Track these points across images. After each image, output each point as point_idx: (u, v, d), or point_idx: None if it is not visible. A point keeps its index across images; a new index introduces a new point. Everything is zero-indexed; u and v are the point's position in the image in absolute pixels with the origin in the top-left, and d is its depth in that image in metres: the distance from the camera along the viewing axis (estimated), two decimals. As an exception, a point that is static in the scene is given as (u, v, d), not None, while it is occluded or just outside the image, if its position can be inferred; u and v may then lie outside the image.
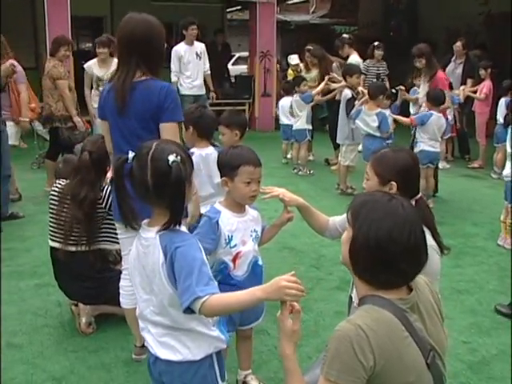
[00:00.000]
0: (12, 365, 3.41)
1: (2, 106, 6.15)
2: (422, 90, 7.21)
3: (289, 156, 9.28)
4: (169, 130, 2.92)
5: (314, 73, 9.08)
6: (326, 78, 8.13)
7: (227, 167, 2.76)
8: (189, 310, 1.93)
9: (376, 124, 6.62)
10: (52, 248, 3.75)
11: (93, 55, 7.74)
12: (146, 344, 2.17)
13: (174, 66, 8.68)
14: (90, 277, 3.69)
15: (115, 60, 7.81)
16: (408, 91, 8.22)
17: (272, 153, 9.55)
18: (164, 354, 2.07)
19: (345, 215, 1.87)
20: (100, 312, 3.81)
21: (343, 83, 7.66)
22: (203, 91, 8.96)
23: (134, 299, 3.06)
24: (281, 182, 7.78)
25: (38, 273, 4.66)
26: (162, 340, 2.07)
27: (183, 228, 2.03)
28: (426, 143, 6.56)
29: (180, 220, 1.98)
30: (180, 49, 8.68)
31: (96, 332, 3.76)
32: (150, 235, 2.00)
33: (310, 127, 8.38)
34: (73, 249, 3.65)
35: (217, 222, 2.73)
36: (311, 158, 9.10)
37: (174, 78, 8.69)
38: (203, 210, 3.16)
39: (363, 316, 1.68)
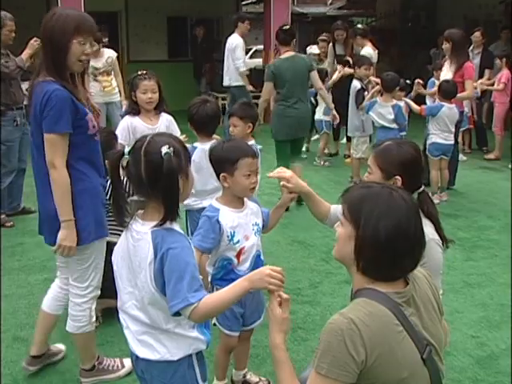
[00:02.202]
0: (18, 358, 3.45)
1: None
2: (444, 77, 6.97)
3: (303, 149, 9.26)
4: (47, 142, 2.76)
5: (327, 64, 9.05)
6: (340, 68, 8.10)
7: (225, 162, 2.69)
8: (177, 313, 1.93)
9: (392, 116, 6.55)
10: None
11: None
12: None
13: (242, 56, 8.86)
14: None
15: (106, 50, 7.88)
16: (425, 84, 8.08)
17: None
18: (142, 352, 2.06)
19: None
20: (106, 306, 3.82)
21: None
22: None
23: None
24: (294, 176, 7.78)
25: (48, 267, 4.71)
26: (140, 338, 2.06)
27: (177, 227, 2.01)
28: (438, 135, 6.46)
29: (175, 215, 1.96)
30: (240, 41, 8.89)
31: (102, 326, 3.78)
32: (141, 229, 1.98)
33: (328, 119, 8.33)
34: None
35: (217, 220, 2.69)
36: (326, 150, 9.04)
37: (242, 68, 8.87)
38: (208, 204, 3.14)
39: (356, 309, 1.66)
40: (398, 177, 2.42)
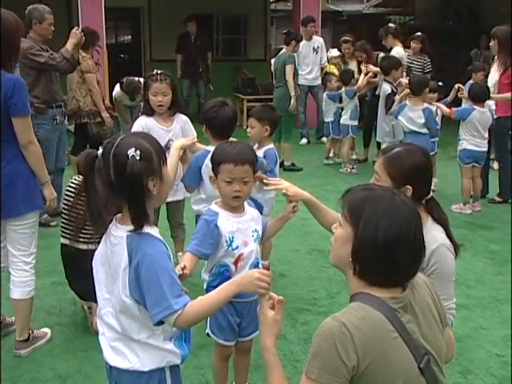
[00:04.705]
0: (19, 363, 3.58)
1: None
2: (491, 79, 6.93)
3: (331, 155, 9.31)
4: (20, 124, 3.37)
5: (352, 66, 9.12)
6: (364, 68, 8.20)
7: (213, 164, 2.80)
8: (160, 322, 1.97)
9: (422, 121, 6.51)
10: (62, 245, 3.90)
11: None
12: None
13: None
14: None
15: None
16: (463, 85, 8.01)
17: (315, 151, 9.61)
18: (114, 360, 2.09)
19: None
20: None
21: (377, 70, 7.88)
22: (317, 82, 10.08)
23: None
24: (319, 182, 7.83)
25: (57, 271, 4.81)
26: (113, 345, 2.09)
27: (154, 231, 2.03)
28: (469, 141, 6.44)
29: (143, 221, 1.97)
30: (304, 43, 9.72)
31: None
32: (118, 233, 2.01)
33: (354, 123, 8.41)
34: (83, 247, 3.76)
35: (215, 224, 2.73)
36: (354, 156, 9.08)
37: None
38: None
39: (349, 313, 1.70)
40: (408, 186, 2.45)
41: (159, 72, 4.34)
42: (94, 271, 2.13)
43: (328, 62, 10.10)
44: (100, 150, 1.99)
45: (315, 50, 10.07)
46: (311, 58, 10.07)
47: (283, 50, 8.76)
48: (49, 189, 3.68)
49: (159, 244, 2.01)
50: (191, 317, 1.96)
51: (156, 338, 2.07)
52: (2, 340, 3.75)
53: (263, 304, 1.95)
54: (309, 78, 10.08)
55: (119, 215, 2.07)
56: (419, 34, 8.91)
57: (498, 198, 6.98)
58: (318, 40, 10.16)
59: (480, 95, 6.41)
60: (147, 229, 1.99)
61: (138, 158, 1.92)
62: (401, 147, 2.62)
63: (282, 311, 1.94)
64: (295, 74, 8.61)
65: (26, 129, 3.43)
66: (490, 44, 6.88)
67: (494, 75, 6.87)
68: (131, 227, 1.97)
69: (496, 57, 6.93)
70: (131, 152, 1.92)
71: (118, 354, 2.08)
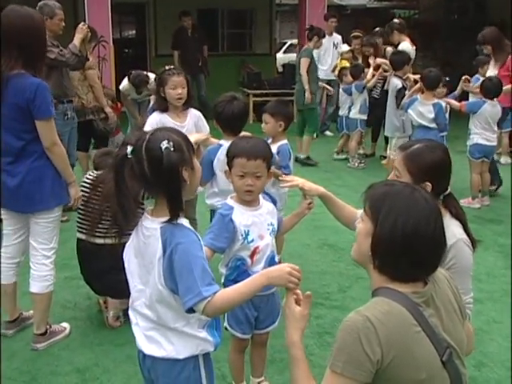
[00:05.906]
0: (37, 356, 3.62)
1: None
2: (490, 74, 7.13)
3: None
4: (43, 127, 3.43)
5: (360, 60, 9.20)
6: (372, 61, 8.23)
7: (227, 158, 2.84)
8: (191, 310, 2.01)
9: (432, 115, 6.50)
10: (79, 240, 3.93)
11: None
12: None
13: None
14: (120, 269, 3.82)
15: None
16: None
17: (323, 146, 9.62)
18: (149, 348, 2.14)
19: None
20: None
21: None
22: (334, 76, 10.11)
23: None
24: (327, 176, 7.85)
25: (70, 265, 4.85)
26: (148, 334, 2.14)
27: (185, 222, 2.08)
28: (480, 135, 6.44)
29: (179, 211, 2.03)
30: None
31: (123, 326, 3.91)
32: (151, 225, 2.06)
33: (363, 117, 8.45)
34: (100, 241, 3.80)
35: (230, 219, 2.77)
36: (361, 151, 9.10)
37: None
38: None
39: (373, 308, 1.73)
40: (428, 183, 2.47)
41: (173, 66, 4.40)
42: (126, 264, 2.17)
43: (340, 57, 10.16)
44: (129, 148, 2.02)
45: (335, 45, 10.36)
46: (331, 53, 10.34)
47: (305, 46, 8.73)
48: (75, 188, 3.73)
49: (191, 233, 2.06)
50: (219, 305, 2.00)
51: (191, 326, 2.12)
52: (19, 333, 3.82)
53: (289, 299, 1.97)
54: (328, 72, 10.25)
55: (150, 208, 2.12)
56: (377, 28, 9.73)
57: (494, 187, 7.07)
58: (337, 37, 10.44)
59: (491, 90, 6.42)
60: (180, 219, 2.05)
61: (172, 149, 1.98)
62: (421, 144, 2.62)
63: (309, 306, 1.97)
64: (310, 67, 8.47)
65: (49, 131, 3.46)
66: (484, 50, 7.33)
67: (491, 71, 7.13)
68: (164, 219, 2.02)
69: (492, 56, 7.29)
70: (164, 144, 1.97)
71: (153, 343, 2.13)
